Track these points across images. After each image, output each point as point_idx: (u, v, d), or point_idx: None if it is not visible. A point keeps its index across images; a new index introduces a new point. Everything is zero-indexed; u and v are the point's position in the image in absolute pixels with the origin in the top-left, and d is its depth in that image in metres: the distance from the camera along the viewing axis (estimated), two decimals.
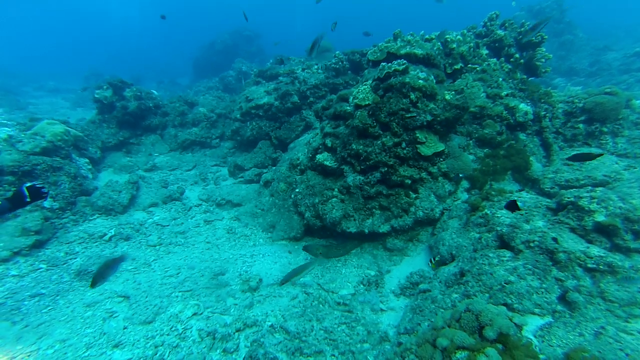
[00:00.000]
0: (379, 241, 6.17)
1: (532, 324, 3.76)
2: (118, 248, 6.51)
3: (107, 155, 10.20)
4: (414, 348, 3.09)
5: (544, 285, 4.06)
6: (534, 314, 3.90)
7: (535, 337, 3.63)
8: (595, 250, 4.16)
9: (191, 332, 4.39)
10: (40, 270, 5.76)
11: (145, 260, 6.12)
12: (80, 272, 5.58)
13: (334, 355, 4.00)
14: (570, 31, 19.72)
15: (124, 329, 4.47)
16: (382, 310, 4.76)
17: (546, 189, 6.10)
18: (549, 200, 5.30)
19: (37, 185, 3.34)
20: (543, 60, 7.99)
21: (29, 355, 4.00)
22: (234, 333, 4.37)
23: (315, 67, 11.19)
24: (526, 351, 2.81)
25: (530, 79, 8.09)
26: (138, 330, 4.45)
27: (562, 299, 3.97)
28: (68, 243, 6.54)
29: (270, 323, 4.53)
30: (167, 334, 4.35)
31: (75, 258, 6.11)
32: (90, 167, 8.94)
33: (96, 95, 10.56)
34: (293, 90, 10.18)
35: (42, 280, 5.47)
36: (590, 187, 4.86)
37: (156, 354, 4.06)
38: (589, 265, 4.08)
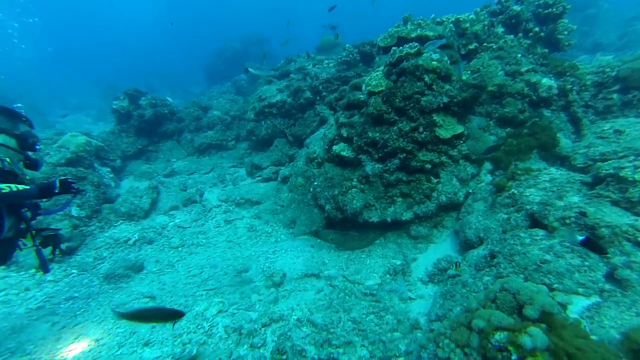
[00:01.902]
0: (402, 229, 5.99)
1: (577, 304, 3.49)
2: (142, 251, 6.59)
3: (127, 164, 10.43)
4: (448, 332, 2.92)
5: (586, 263, 3.78)
6: (577, 294, 3.62)
7: (582, 318, 3.36)
8: None
9: (217, 329, 4.35)
10: (73, 275, 5.92)
11: (169, 262, 6.16)
12: (108, 275, 5.67)
13: (363, 346, 3.86)
14: (594, 4, 18.59)
15: (152, 328, 4.47)
16: (410, 298, 4.58)
17: (578, 165, 5.74)
18: (583, 175, 4.98)
19: (69, 180, 3.42)
20: (565, 32, 7.58)
21: (67, 354, 4.08)
22: (260, 328, 4.30)
23: (326, 62, 11.09)
24: (575, 331, 2.57)
25: (552, 54, 7.70)
26: (165, 329, 4.45)
27: (610, 277, 3.66)
28: (96, 249, 6.69)
29: (296, 317, 4.44)
30: (194, 332, 4.33)
31: (103, 263, 6.24)
32: (112, 175, 9.15)
33: (114, 106, 10.84)
34: (305, 86, 10.11)
35: (74, 285, 5.61)
36: (633, 157, 4.52)
37: (184, 351, 4.03)
38: None
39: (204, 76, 25.86)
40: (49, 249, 3.80)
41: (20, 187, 2.99)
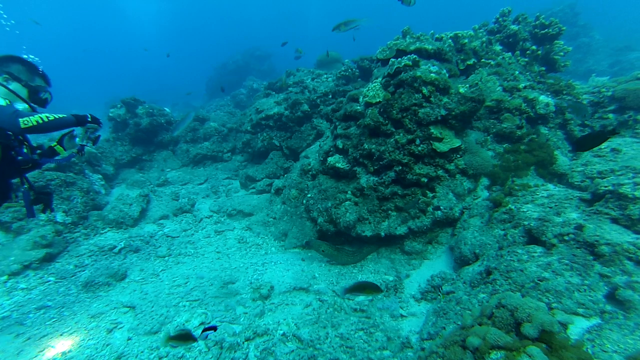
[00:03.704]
0: (396, 245, 5.79)
1: (577, 325, 3.29)
2: (127, 260, 6.34)
3: (120, 172, 10.27)
4: (441, 351, 2.70)
5: (586, 282, 3.60)
6: (577, 314, 3.42)
7: (583, 340, 3.15)
8: None
9: (197, 342, 4.09)
10: (49, 282, 5.64)
11: (154, 271, 5.91)
12: (87, 283, 5.41)
13: None
14: (586, 34, 19.26)
15: (128, 340, 4.22)
16: (402, 316, 4.35)
17: (576, 183, 5.62)
18: (581, 192, 4.85)
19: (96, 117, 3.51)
20: (562, 53, 7.64)
21: None
22: (243, 342, 4.04)
23: (325, 76, 11.15)
24: (578, 353, 2.36)
25: (549, 74, 7.74)
26: (143, 341, 4.19)
27: (611, 297, 3.47)
28: (78, 256, 6.43)
29: (282, 331, 4.19)
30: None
31: (84, 270, 5.98)
32: (103, 182, 8.97)
33: (110, 114, 10.77)
34: (303, 99, 10.10)
35: (49, 293, 5.33)
36: (632, 174, 4.41)
37: None
38: None
39: (206, 90, 26.11)
40: (40, 207, 3.78)
41: (61, 114, 3.03)
